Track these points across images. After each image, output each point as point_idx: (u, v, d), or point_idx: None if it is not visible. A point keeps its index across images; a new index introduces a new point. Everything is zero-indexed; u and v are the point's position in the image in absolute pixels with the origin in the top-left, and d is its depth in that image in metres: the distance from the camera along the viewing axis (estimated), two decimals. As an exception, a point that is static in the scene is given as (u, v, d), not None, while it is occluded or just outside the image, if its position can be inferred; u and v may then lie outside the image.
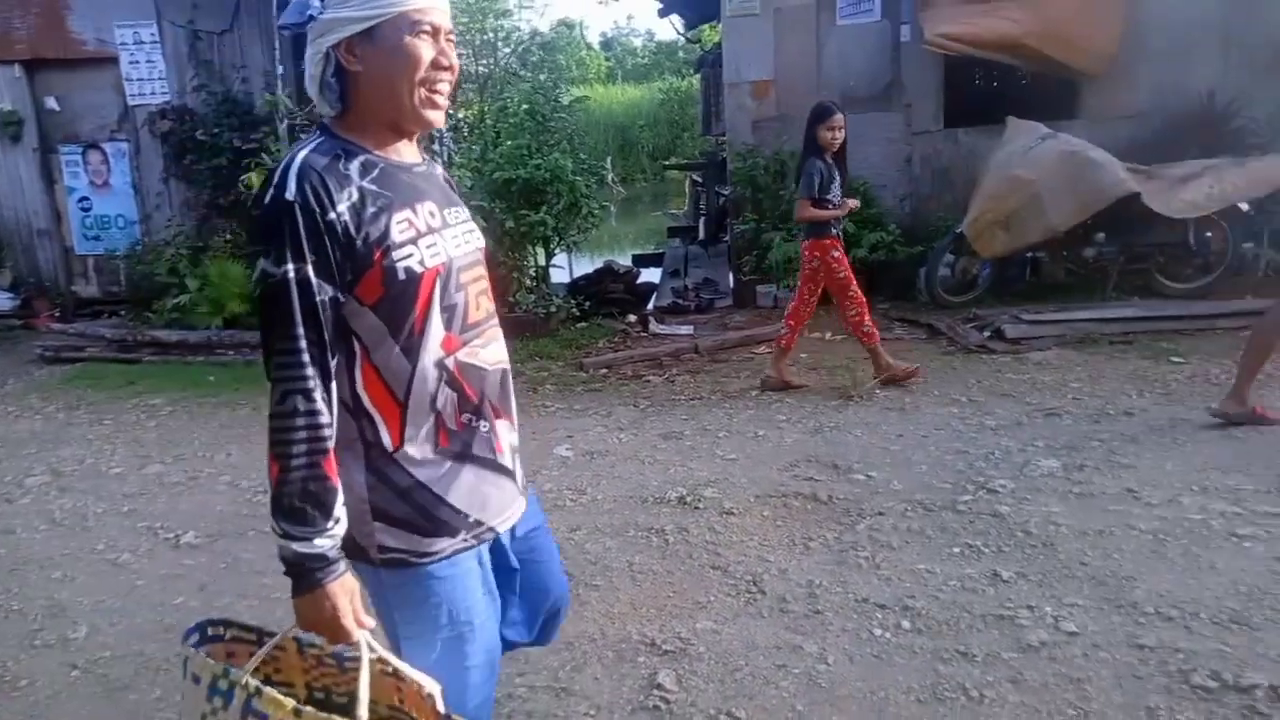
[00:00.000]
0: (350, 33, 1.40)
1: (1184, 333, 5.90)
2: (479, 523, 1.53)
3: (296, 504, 1.34)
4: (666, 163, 20.93)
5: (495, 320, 1.60)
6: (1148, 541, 3.22)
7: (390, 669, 1.43)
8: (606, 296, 7.88)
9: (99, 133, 8.63)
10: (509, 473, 1.60)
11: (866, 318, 5.19)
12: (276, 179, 1.37)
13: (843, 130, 5.02)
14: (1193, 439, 4.15)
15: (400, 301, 1.42)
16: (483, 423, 1.54)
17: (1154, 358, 5.47)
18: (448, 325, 1.48)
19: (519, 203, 7.33)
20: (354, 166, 1.42)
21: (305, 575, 1.36)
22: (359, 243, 1.38)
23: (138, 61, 8.38)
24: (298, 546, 1.34)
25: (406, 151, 1.53)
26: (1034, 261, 7.11)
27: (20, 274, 8.86)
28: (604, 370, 6.14)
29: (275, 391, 1.35)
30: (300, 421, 1.34)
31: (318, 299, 1.35)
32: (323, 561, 1.36)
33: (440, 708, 1.38)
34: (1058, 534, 3.32)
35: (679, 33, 14.09)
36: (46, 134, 8.66)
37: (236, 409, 5.73)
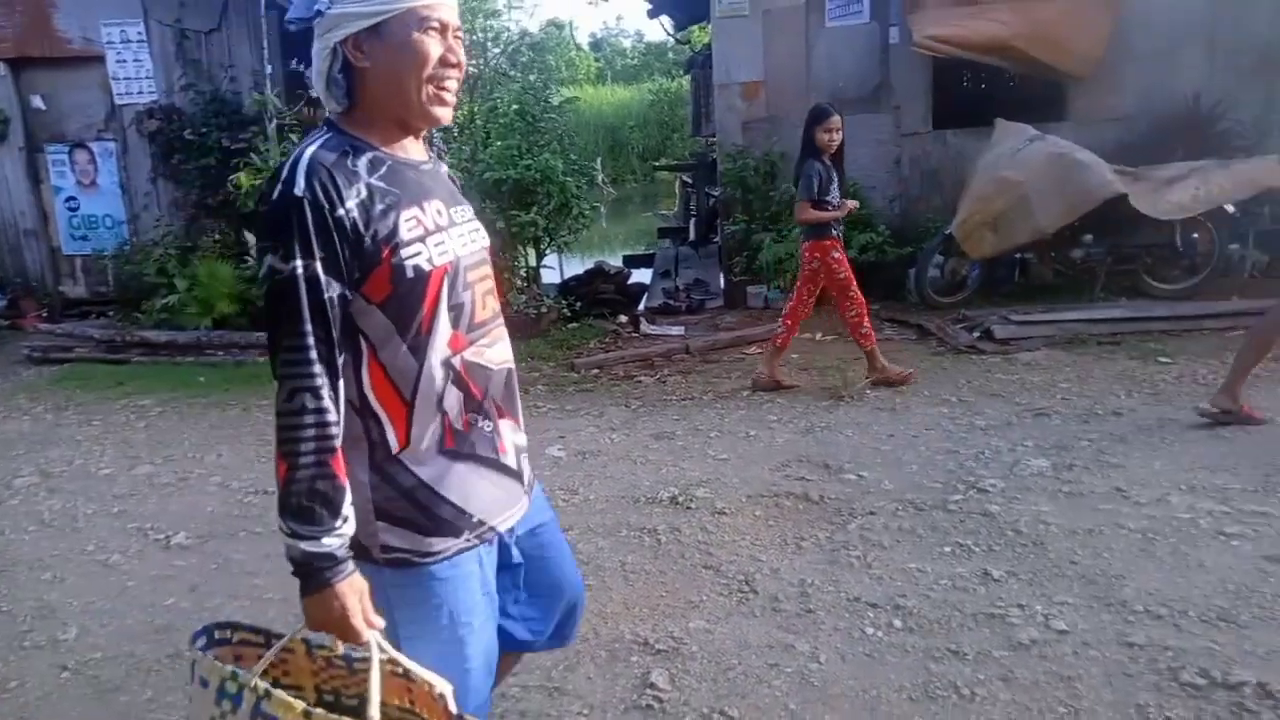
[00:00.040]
0: (358, 28, 1.39)
1: (1171, 333, 5.95)
2: (481, 522, 1.53)
3: (304, 503, 1.33)
4: (656, 164, 20.85)
5: (501, 320, 1.59)
6: (1137, 540, 3.25)
7: (400, 669, 1.42)
8: (597, 297, 7.87)
9: (86, 132, 8.56)
10: (512, 472, 1.59)
11: (866, 319, 5.21)
12: (285, 174, 1.35)
13: (840, 132, 5.05)
14: (1181, 438, 4.19)
15: (408, 300, 1.41)
16: (486, 422, 1.53)
17: (1142, 358, 5.51)
18: (455, 324, 1.47)
19: (509, 203, 7.33)
20: (362, 163, 1.40)
21: (314, 575, 1.34)
22: (367, 240, 1.36)
23: (125, 60, 8.31)
24: (306, 546, 1.33)
25: (413, 149, 1.52)
26: (1023, 262, 7.15)
27: (7, 274, 8.77)
28: (595, 371, 6.15)
29: (282, 389, 1.34)
30: (308, 420, 1.33)
31: (326, 296, 1.34)
32: (331, 561, 1.34)
33: (452, 708, 1.37)
34: (1048, 533, 3.35)
35: (668, 34, 14.09)
36: (33, 133, 8.57)
37: (226, 409, 5.70)
